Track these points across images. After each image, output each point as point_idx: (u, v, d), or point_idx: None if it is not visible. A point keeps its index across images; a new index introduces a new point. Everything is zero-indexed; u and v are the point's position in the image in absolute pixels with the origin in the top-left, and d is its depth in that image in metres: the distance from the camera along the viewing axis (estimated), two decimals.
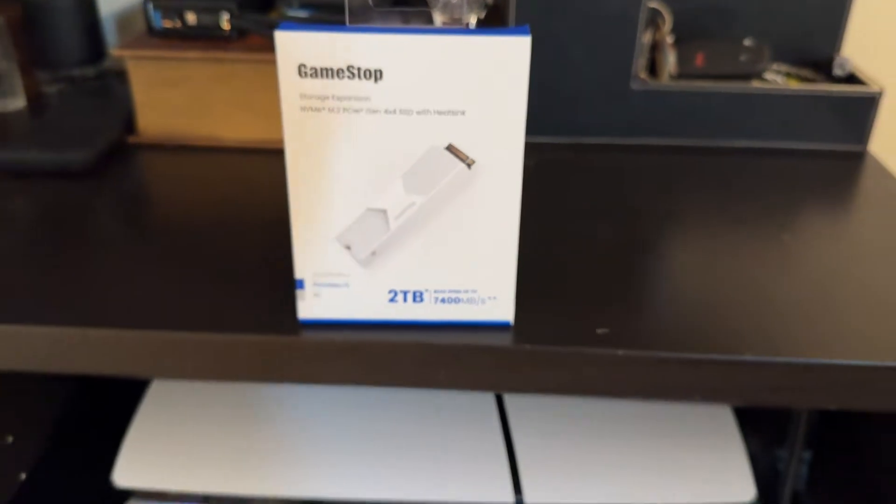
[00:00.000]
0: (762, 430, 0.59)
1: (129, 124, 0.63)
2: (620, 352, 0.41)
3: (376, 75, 0.36)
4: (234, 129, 0.62)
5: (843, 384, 0.41)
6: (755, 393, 0.42)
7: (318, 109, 0.36)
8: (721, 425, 0.52)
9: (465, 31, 0.36)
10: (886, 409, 0.42)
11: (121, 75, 0.74)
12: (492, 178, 0.38)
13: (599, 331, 0.42)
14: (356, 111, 0.36)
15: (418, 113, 0.37)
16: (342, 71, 0.36)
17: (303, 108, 0.36)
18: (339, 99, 0.36)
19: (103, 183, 0.57)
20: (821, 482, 0.59)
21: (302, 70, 0.36)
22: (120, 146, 0.62)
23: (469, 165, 0.38)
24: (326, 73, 0.36)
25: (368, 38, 0.35)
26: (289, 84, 0.36)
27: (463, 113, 0.37)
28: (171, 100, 0.62)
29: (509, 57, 0.36)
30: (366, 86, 0.36)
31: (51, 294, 0.44)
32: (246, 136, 0.62)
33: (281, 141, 0.63)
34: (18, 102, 0.71)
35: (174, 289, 0.45)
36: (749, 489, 0.49)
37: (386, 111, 0.36)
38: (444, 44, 0.36)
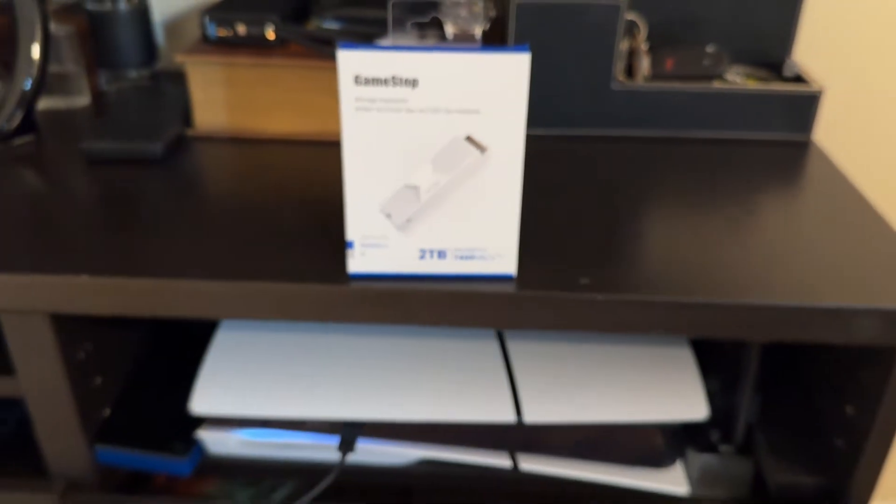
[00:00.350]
0: (721, 374, 0.71)
1: (187, 119, 0.75)
2: (599, 296, 0.52)
3: (413, 83, 0.47)
4: (277, 123, 0.73)
5: (779, 321, 0.53)
6: (704, 327, 0.53)
7: (368, 109, 0.48)
8: (680, 357, 0.64)
9: (480, 48, 0.47)
10: (815, 341, 0.54)
11: (172, 76, 0.86)
12: (500, 161, 0.49)
13: (583, 281, 0.53)
14: (397, 110, 0.48)
15: (444, 112, 0.48)
16: (387, 80, 0.47)
17: (357, 108, 0.48)
18: (385, 101, 0.47)
19: (170, 169, 0.68)
20: (771, 417, 0.71)
21: (357, 79, 0.47)
22: (180, 138, 0.73)
23: (483, 152, 0.49)
24: (375, 81, 0.47)
25: (407, 55, 0.47)
26: (347, 89, 0.47)
27: (478, 111, 0.48)
28: (224, 98, 0.73)
29: (513, 69, 0.47)
30: (405, 91, 0.47)
31: (139, 254, 0.56)
32: (287, 129, 0.73)
33: (317, 133, 0.75)
34: (84, 100, 0.82)
35: (244, 251, 0.56)
36: (702, 409, 0.60)
37: (420, 110, 0.48)
38: (463, 59, 0.47)
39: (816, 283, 0.54)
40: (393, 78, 0.47)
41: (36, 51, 0.70)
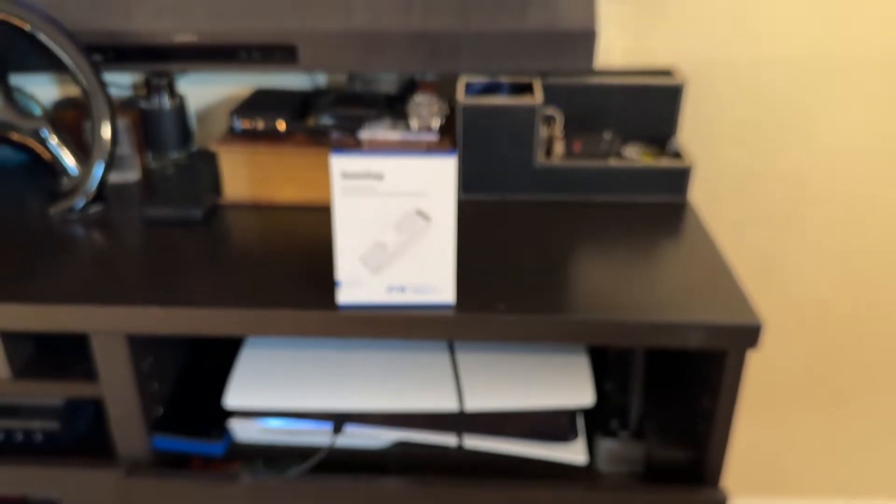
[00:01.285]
0: (618, 378, 0.94)
1: (218, 190, 0.99)
2: (511, 317, 0.76)
3: (380, 176, 0.71)
4: (286, 194, 0.98)
5: (639, 332, 0.76)
6: (589, 337, 0.77)
7: (351, 194, 0.72)
8: (577, 360, 0.87)
9: (423, 153, 0.72)
10: (665, 346, 0.77)
11: (203, 155, 1.10)
12: (440, 226, 0.73)
13: (500, 306, 0.77)
14: (370, 194, 0.72)
15: (401, 194, 0.72)
16: (363, 174, 0.71)
17: (343, 193, 0.72)
18: (362, 189, 0.72)
19: (208, 228, 0.92)
20: (658, 408, 0.94)
21: (344, 174, 0.71)
22: (214, 205, 0.97)
23: (428, 221, 0.73)
24: (355, 175, 0.71)
25: (375, 160, 0.71)
26: (337, 180, 0.71)
27: (424, 194, 0.72)
28: (247, 176, 0.97)
29: (445, 166, 0.71)
30: (374, 182, 0.72)
31: (189, 290, 0.79)
32: (295, 198, 0.98)
33: (317, 201, 0.99)
34: (136, 175, 1.07)
35: (264, 287, 0.80)
36: (589, 396, 0.84)
37: (385, 193, 0.72)
38: (412, 161, 0.71)
39: (668, 305, 0.78)
40: (367, 173, 0.71)
41: (108, 139, 0.95)
